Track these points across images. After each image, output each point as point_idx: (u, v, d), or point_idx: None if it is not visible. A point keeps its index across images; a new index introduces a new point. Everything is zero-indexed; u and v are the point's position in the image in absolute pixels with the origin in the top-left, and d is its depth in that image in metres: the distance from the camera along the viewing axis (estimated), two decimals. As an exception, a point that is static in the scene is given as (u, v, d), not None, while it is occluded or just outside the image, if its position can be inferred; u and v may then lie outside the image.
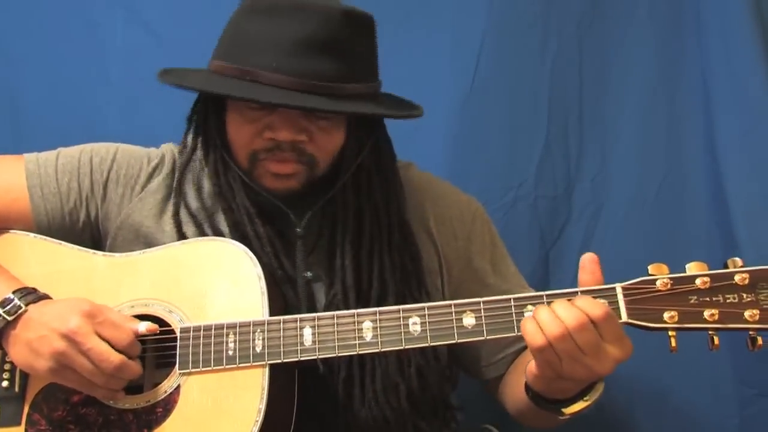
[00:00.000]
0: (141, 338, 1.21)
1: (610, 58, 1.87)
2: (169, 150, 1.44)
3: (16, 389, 1.25)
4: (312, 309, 1.31)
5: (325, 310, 1.30)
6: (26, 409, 1.24)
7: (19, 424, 1.23)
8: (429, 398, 1.34)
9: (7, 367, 1.26)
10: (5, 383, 1.25)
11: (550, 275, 1.87)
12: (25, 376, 1.25)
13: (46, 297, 1.24)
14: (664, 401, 1.80)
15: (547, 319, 1.09)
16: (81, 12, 1.93)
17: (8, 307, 1.20)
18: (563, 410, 1.19)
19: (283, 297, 1.29)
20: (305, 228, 1.32)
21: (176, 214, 1.36)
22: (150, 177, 1.40)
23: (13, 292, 1.21)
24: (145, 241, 1.35)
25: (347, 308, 1.26)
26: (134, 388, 1.24)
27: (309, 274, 1.33)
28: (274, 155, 1.27)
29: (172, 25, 1.91)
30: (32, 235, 1.34)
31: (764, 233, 1.70)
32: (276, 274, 1.29)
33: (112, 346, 1.17)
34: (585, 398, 1.18)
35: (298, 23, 1.22)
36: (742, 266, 1.12)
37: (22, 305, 1.20)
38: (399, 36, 1.86)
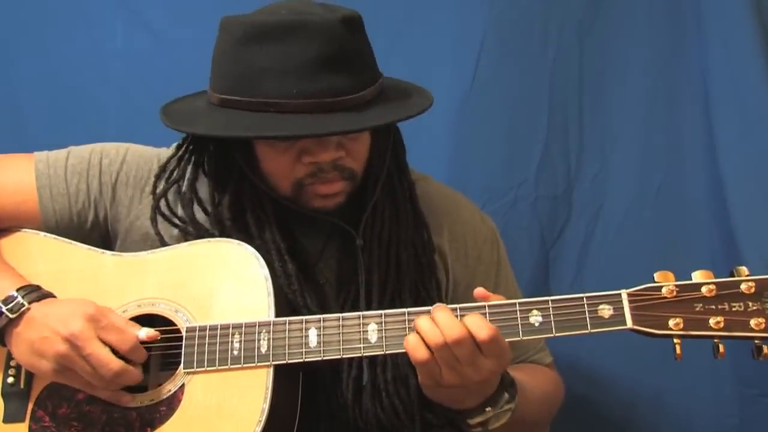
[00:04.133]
0: (144, 342, 1.22)
1: (610, 58, 1.87)
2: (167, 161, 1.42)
3: (22, 385, 1.26)
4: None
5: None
6: (31, 406, 1.24)
7: (23, 420, 1.24)
8: None
9: (13, 363, 1.27)
10: (11, 379, 1.26)
11: (550, 275, 1.87)
12: (30, 373, 1.26)
13: (50, 295, 1.24)
14: (664, 401, 1.80)
15: (428, 328, 1.11)
16: (81, 12, 1.93)
17: (11, 304, 1.20)
18: (468, 421, 1.20)
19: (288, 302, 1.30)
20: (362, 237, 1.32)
21: (161, 241, 1.34)
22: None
23: (17, 290, 1.21)
24: (153, 245, 1.34)
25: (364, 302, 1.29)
26: (139, 387, 1.24)
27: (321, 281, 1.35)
28: (319, 179, 1.26)
29: (172, 25, 1.92)
30: (42, 233, 1.35)
31: (764, 233, 1.70)
32: (302, 312, 1.27)
33: (115, 351, 1.18)
34: (487, 408, 1.19)
35: (305, 42, 1.20)
36: (748, 275, 1.11)
37: (25, 303, 1.20)
38: (399, 36, 1.87)
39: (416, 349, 1.12)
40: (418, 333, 1.12)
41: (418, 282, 1.35)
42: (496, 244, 1.49)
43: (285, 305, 1.26)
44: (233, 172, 1.32)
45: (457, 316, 1.13)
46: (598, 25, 1.87)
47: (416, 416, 1.30)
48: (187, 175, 1.36)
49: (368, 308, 1.29)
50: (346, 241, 1.36)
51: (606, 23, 1.86)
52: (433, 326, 1.11)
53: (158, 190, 1.35)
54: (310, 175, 1.26)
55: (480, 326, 1.10)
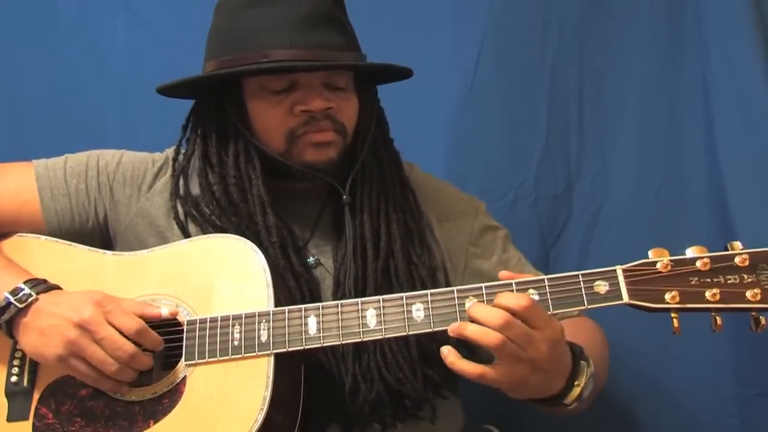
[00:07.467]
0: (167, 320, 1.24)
1: (610, 58, 1.87)
2: (173, 153, 1.46)
3: (25, 384, 1.27)
4: (316, 295, 1.34)
5: (336, 274, 1.35)
6: (34, 404, 1.25)
7: (27, 418, 1.25)
8: (436, 348, 1.35)
9: (16, 362, 1.28)
10: (14, 378, 1.27)
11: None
12: (33, 371, 1.27)
13: (56, 287, 1.26)
14: (664, 401, 1.80)
15: (477, 327, 1.10)
16: (81, 12, 1.94)
17: (20, 295, 1.22)
18: (564, 402, 1.18)
19: (288, 288, 1.31)
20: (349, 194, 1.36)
21: (176, 216, 1.38)
22: (155, 177, 1.43)
23: (24, 282, 1.24)
24: (158, 232, 1.38)
25: (358, 263, 1.32)
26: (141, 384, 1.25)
27: (312, 259, 1.38)
28: (312, 127, 1.32)
29: (172, 25, 1.92)
30: (42, 237, 1.36)
31: (764, 233, 1.69)
32: (279, 264, 1.31)
33: (122, 335, 1.19)
34: (575, 383, 1.17)
35: (295, 3, 1.30)
36: (741, 249, 1.12)
37: (32, 294, 1.22)
38: (399, 36, 1.87)
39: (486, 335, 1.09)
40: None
41: (409, 246, 1.38)
42: (487, 218, 1.51)
43: (285, 296, 1.28)
44: (231, 136, 1.36)
45: (463, 303, 1.14)
46: (598, 25, 1.87)
47: (418, 371, 1.32)
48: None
49: (360, 273, 1.32)
50: (335, 228, 1.39)
51: (606, 23, 1.87)
52: (480, 326, 1.09)
53: (176, 170, 1.39)
54: (303, 124, 1.31)
55: (515, 301, 1.09)
